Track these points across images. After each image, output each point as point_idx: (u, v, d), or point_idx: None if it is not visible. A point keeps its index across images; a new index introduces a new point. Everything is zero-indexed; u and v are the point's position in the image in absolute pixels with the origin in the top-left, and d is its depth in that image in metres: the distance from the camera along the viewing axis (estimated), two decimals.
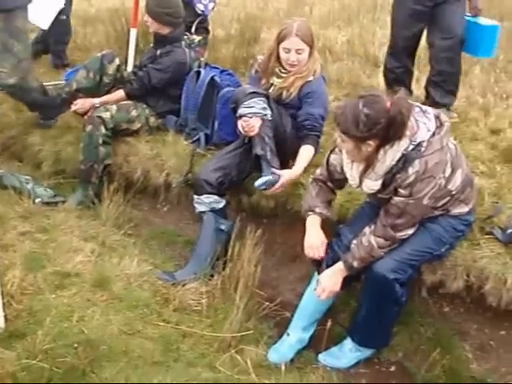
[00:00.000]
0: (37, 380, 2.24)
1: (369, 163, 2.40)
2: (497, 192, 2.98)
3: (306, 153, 3.13)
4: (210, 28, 4.93)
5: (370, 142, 2.31)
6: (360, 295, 2.68)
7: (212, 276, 3.03)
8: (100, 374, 2.33)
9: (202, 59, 4.12)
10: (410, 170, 2.34)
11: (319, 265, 2.69)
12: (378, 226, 2.49)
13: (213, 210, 3.15)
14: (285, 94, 3.19)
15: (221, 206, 3.17)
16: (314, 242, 2.65)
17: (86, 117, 3.75)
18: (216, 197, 3.16)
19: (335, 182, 2.72)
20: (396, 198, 2.41)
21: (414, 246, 2.52)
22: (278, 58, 3.17)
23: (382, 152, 2.34)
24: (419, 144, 2.34)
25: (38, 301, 2.66)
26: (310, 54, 3.15)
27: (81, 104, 3.84)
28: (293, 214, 3.18)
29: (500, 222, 2.78)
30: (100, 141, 3.63)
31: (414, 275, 2.63)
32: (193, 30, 4.54)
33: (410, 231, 2.49)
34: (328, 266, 2.64)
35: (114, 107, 3.71)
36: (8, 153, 4.19)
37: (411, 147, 2.34)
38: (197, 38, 4.63)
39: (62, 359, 2.31)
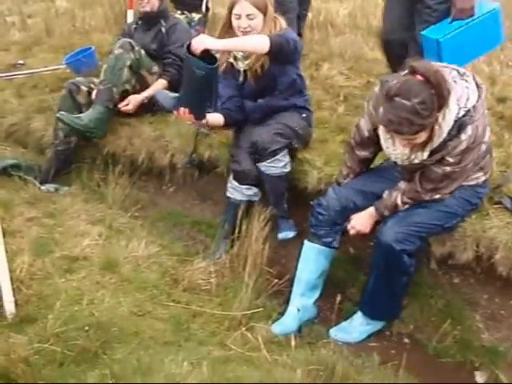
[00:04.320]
0: (49, 363, 2.25)
1: (430, 138, 2.31)
2: (505, 161, 2.94)
3: None
4: (209, 6, 4.86)
5: (437, 115, 2.24)
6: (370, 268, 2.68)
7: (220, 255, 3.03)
8: (112, 355, 2.33)
9: None
10: (463, 136, 2.29)
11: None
12: (411, 190, 2.49)
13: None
14: (259, 70, 2.98)
15: (256, 199, 3.12)
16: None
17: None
18: (256, 190, 3.07)
19: (364, 146, 2.66)
20: (442, 167, 2.38)
21: (423, 218, 2.51)
22: (231, 26, 2.93)
23: (437, 127, 2.27)
24: (469, 110, 2.28)
25: (47, 285, 2.67)
26: (265, 21, 2.91)
27: (131, 103, 3.65)
28: (299, 191, 3.17)
29: (509, 191, 2.74)
30: (127, 63, 3.56)
31: (423, 246, 2.61)
32: (203, 8, 4.46)
33: (440, 195, 2.48)
34: (312, 226, 2.69)
35: (143, 52, 3.66)
36: (12, 139, 4.18)
37: (462, 113, 2.28)
38: (196, 16, 4.59)
39: (73, 342, 2.32)
